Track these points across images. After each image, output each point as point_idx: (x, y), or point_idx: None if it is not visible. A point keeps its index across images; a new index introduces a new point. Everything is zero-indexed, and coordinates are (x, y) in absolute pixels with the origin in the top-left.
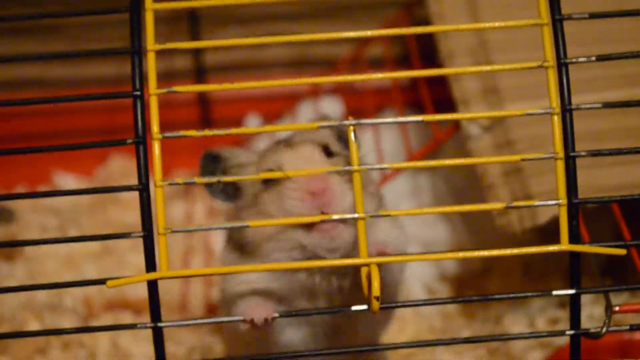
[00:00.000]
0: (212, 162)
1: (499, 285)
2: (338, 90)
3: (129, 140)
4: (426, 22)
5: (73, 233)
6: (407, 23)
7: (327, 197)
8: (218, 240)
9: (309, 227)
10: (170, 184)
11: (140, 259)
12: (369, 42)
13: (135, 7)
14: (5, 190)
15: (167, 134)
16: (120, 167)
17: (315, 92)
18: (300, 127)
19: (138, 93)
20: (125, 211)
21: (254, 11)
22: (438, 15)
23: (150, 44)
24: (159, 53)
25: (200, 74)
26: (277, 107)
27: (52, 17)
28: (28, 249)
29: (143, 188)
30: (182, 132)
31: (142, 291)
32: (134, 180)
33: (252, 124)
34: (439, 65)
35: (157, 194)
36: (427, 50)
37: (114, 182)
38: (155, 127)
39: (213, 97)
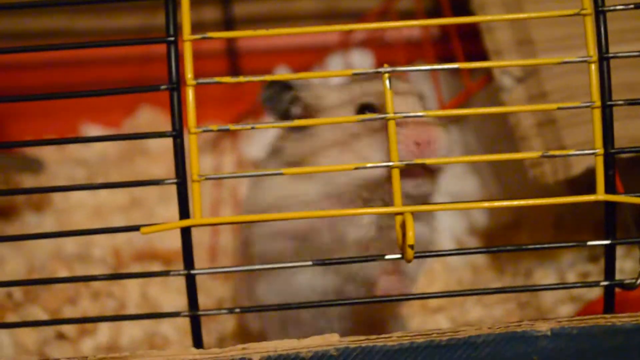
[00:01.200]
0: (279, 90)
1: (529, 240)
2: (367, 43)
3: (163, 87)
4: None
5: None
6: None
7: (431, 148)
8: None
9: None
10: (204, 131)
11: (168, 211)
12: None
13: None
14: None
15: (201, 80)
16: (148, 119)
17: (344, 44)
18: (332, 75)
19: (172, 39)
20: (153, 163)
21: None
22: None
23: None
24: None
25: (228, 26)
26: (307, 59)
27: None
28: (57, 201)
29: (177, 134)
30: (217, 79)
31: (171, 242)
32: None
33: None
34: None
35: (191, 140)
36: (458, 3)
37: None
38: (189, 73)
39: (242, 50)
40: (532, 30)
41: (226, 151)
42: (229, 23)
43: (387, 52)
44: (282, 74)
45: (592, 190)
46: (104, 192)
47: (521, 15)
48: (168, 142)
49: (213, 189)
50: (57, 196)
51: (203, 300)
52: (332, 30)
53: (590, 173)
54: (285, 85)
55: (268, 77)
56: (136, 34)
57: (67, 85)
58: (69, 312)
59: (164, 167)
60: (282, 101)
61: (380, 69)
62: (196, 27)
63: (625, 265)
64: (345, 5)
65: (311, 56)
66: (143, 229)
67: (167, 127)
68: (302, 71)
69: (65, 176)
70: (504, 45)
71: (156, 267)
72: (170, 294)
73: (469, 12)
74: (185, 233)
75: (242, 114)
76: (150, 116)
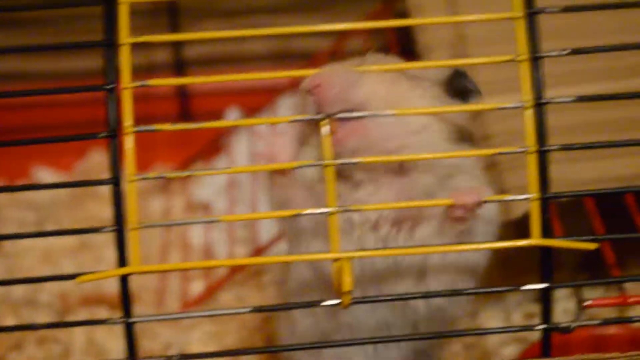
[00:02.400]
0: None
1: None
2: None
3: (102, 134)
4: (405, 15)
5: (51, 228)
6: (387, 16)
7: (321, 94)
8: (195, 235)
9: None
10: (142, 179)
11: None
12: (349, 35)
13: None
14: None
15: (140, 128)
16: (99, 161)
17: (294, 85)
18: (278, 121)
19: (111, 86)
20: (103, 206)
21: (233, 5)
22: (417, 8)
23: (124, 37)
24: (138, 47)
25: (180, 67)
26: (257, 100)
27: (24, 11)
28: (6, 244)
29: (115, 182)
30: (156, 127)
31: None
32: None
33: (232, 117)
34: (417, 58)
35: (129, 188)
36: (406, 44)
37: (92, 177)
38: (127, 121)
39: (192, 91)
40: (475, 72)
41: (176, 194)
42: (180, 65)
43: None
44: (233, 115)
45: None
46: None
47: (457, 62)
48: None
49: (162, 232)
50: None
51: (149, 345)
52: (280, 77)
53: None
54: None
55: (210, 124)
56: (92, 75)
57: (15, 127)
58: (14, 358)
59: None
60: None
61: (316, 116)
62: (147, 69)
63: (570, 306)
64: (295, 46)
65: (262, 97)
66: (79, 279)
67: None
68: (252, 112)
69: (16, 220)
70: None
71: (103, 312)
72: (116, 340)
73: (416, 54)
74: (123, 281)
75: (192, 157)
76: (101, 159)
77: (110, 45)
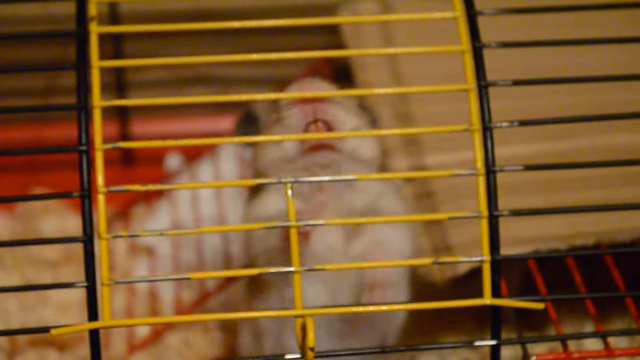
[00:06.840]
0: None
1: (412, 323)
2: None
3: (75, 194)
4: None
5: None
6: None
7: (319, 102)
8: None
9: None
10: (114, 237)
11: (62, 292)
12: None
13: (81, 65)
14: None
15: (112, 188)
16: (40, 202)
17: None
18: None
19: (84, 148)
20: (47, 245)
21: (176, 53)
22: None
23: (97, 99)
24: None
25: (123, 112)
26: (198, 147)
27: None
28: None
29: (88, 240)
30: (127, 187)
31: None
32: (54, 216)
33: (173, 162)
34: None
35: (101, 246)
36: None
37: (34, 217)
38: (100, 181)
39: (134, 136)
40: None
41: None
42: (123, 111)
43: None
44: (174, 161)
45: (473, 281)
46: None
47: (411, 131)
48: (60, 223)
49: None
50: None
51: None
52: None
53: (474, 271)
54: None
55: (175, 186)
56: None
57: None
58: None
59: (57, 248)
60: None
61: (282, 180)
62: None
63: (510, 353)
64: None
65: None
66: (53, 331)
67: (59, 209)
68: (193, 159)
69: None
70: (392, 145)
71: (52, 353)
72: None
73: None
74: (94, 335)
75: (133, 200)
76: None
77: (84, 108)
